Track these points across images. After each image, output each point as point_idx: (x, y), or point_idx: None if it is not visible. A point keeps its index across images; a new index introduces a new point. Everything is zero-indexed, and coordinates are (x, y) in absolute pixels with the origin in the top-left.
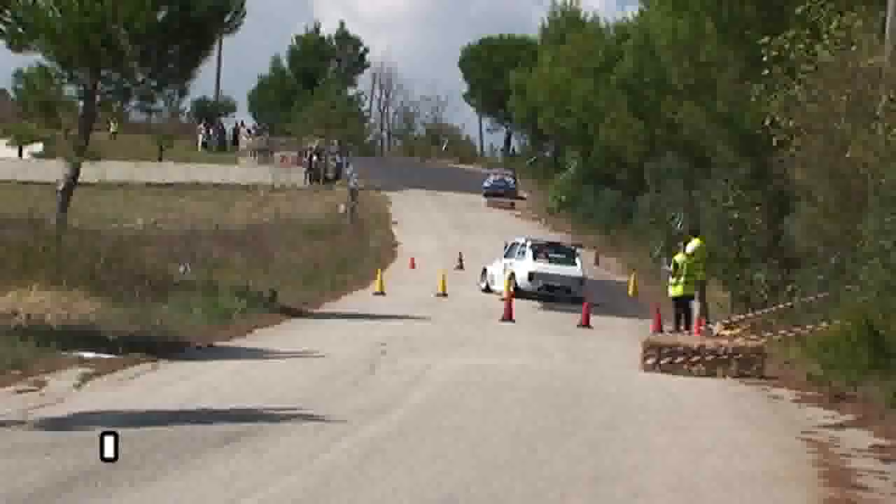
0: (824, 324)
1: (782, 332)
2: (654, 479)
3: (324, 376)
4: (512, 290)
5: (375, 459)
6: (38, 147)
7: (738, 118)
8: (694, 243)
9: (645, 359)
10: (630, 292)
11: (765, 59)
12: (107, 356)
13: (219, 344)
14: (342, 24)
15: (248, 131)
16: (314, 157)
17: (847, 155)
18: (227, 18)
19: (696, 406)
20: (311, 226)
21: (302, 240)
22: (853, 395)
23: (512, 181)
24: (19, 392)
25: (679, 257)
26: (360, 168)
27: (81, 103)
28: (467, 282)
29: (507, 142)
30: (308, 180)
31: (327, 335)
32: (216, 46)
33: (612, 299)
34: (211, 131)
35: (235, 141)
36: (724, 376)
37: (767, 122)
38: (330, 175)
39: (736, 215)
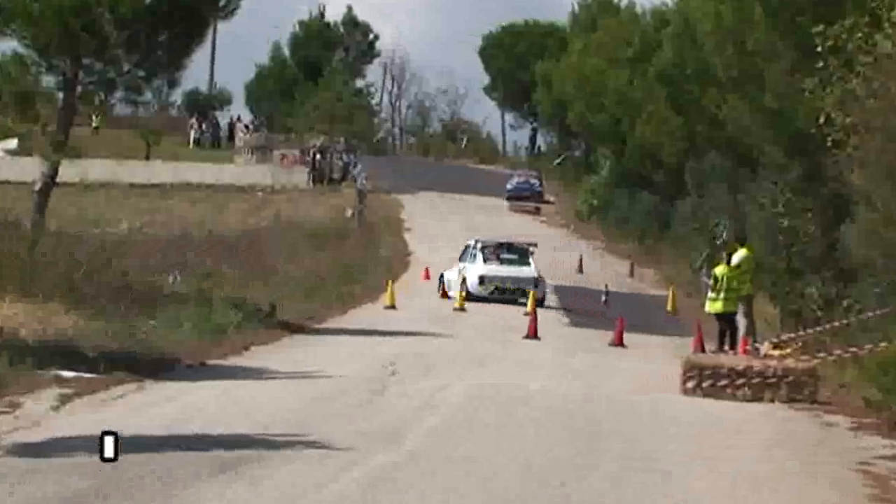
0: (884, 343)
1: (837, 352)
2: None
3: (328, 398)
4: (464, 294)
5: (383, 491)
6: (12, 143)
7: (789, 114)
8: (740, 253)
9: (685, 381)
10: (668, 308)
11: (819, 49)
12: (87, 375)
13: (212, 362)
14: (349, 8)
15: (245, 127)
16: (318, 156)
17: None
18: (222, 2)
19: (741, 434)
20: (314, 232)
21: (304, 247)
22: None
23: (537, 183)
24: None
25: (719, 269)
26: (368, 168)
27: (61, 95)
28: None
29: (533, 140)
30: (311, 181)
31: (332, 353)
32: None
33: (649, 315)
34: (204, 126)
35: (231, 137)
36: (772, 401)
37: (821, 119)
38: (335, 175)
39: (786, 222)
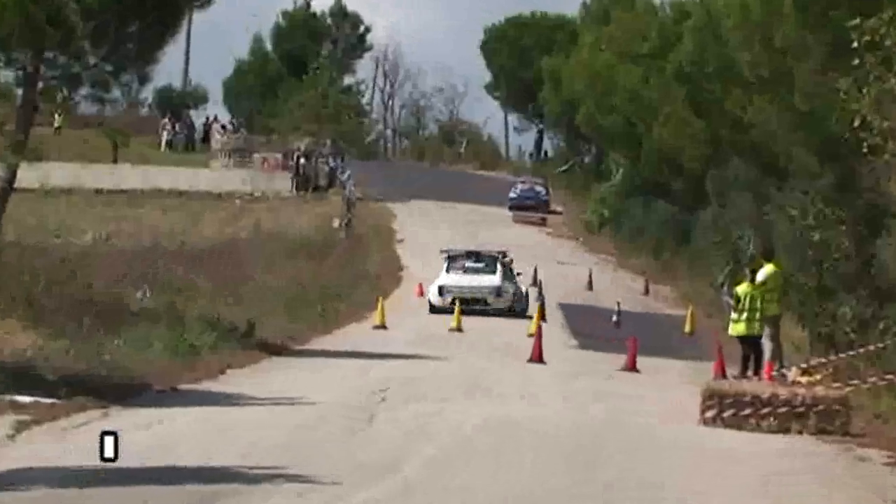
0: None
1: (872, 379)
2: None
3: (311, 427)
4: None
5: None
6: None
7: (821, 117)
8: (766, 270)
9: (704, 410)
10: (687, 329)
11: (854, 45)
12: (47, 400)
13: (184, 387)
14: None
15: (223, 127)
16: (302, 160)
17: None
18: None
19: (766, 469)
20: (297, 243)
21: (286, 260)
22: None
23: (543, 191)
24: None
25: (742, 288)
26: (358, 173)
27: (20, 91)
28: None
29: (538, 143)
30: (294, 188)
31: (316, 378)
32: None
33: (665, 337)
34: (177, 127)
35: (206, 139)
36: (800, 432)
37: (856, 122)
38: (321, 182)
39: (817, 235)
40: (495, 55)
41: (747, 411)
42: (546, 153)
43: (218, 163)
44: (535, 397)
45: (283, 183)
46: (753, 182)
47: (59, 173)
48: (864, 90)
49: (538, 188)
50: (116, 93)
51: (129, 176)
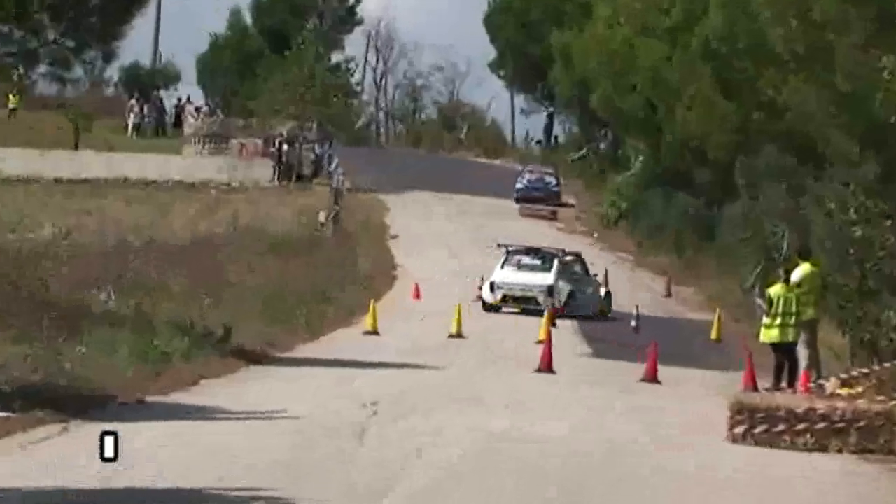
0: None
1: None
2: None
3: (295, 445)
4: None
5: None
6: None
7: (864, 98)
8: (802, 269)
9: (733, 426)
10: (713, 335)
11: None
12: (1, 414)
13: (152, 399)
14: None
15: (196, 110)
16: (285, 147)
17: None
18: None
19: (802, 492)
20: (279, 239)
21: (266, 258)
22: None
23: (554, 181)
24: None
25: (775, 289)
26: (347, 162)
27: None
28: (493, 318)
29: (549, 128)
30: (276, 177)
31: (300, 389)
32: None
33: (689, 344)
34: (145, 110)
35: (178, 123)
36: (840, 451)
37: None
38: (306, 171)
39: (859, 231)
40: (500, 30)
41: (781, 427)
42: (556, 139)
43: (191, 149)
44: (543, 412)
45: (264, 171)
46: (788, 171)
47: (13, 161)
48: None
49: (548, 178)
50: (78, 71)
51: (92, 163)
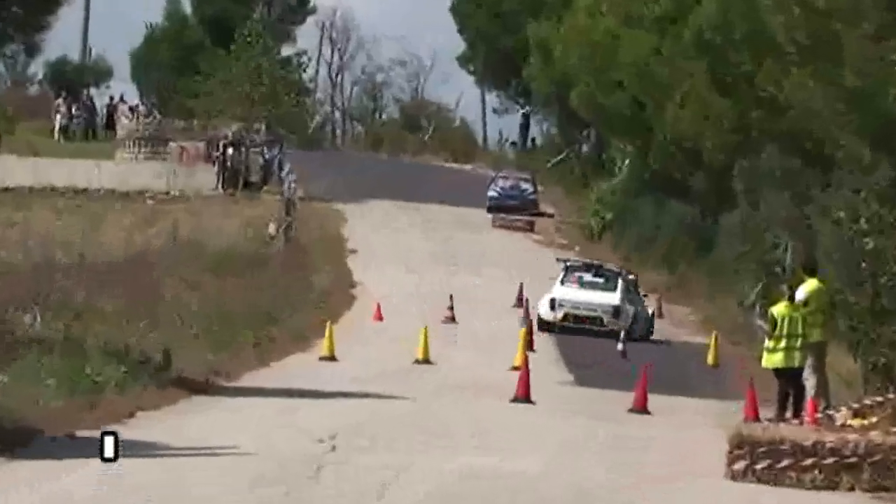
0: None
1: None
2: None
3: (242, 486)
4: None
5: None
6: None
7: (875, 95)
8: (808, 286)
9: (732, 461)
10: (710, 360)
11: None
12: None
13: (83, 433)
14: None
15: (130, 110)
16: (230, 150)
17: None
18: None
19: None
20: (224, 254)
21: (210, 275)
22: None
23: (531, 189)
24: None
25: (779, 309)
26: (300, 167)
27: None
28: (462, 341)
29: (524, 129)
30: (221, 185)
31: (249, 422)
32: None
33: (682, 370)
34: (74, 110)
35: (110, 124)
36: (852, 488)
37: None
38: (254, 177)
39: (871, 243)
40: (469, 19)
41: (786, 462)
42: (533, 141)
43: (125, 154)
44: (517, 446)
45: (207, 178)
46: (791, 176)
47: None
48: None
49: (524, 185)
50: None
51: (15, 170)
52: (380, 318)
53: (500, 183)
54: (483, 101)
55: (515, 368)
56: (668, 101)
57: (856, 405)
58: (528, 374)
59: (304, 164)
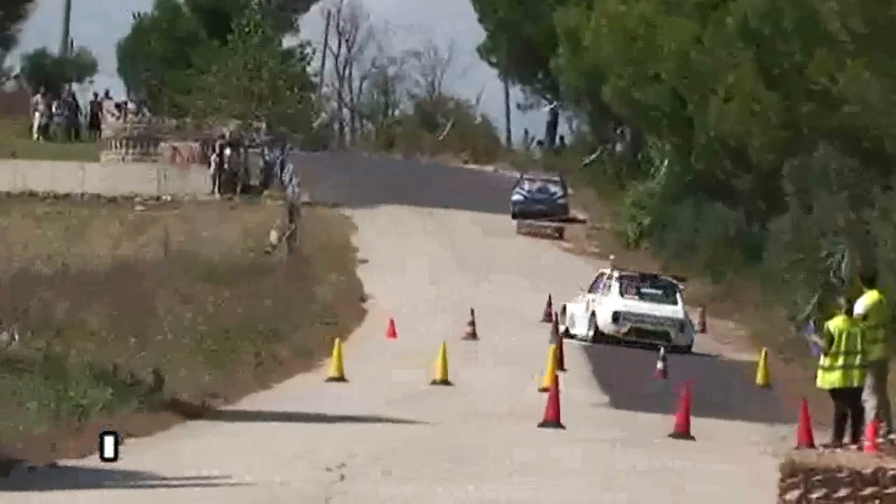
0: None
1: None
2: None
3: None
4: (591, 335)
5: None
6: None
7: None
8: (867, 298)
9: (784, 491)
10: (759, 379)
11: None
12: None
13: (66, 463)
14: None
15: (117, 107)
16: (227, 151)
17: None
18: None
19: None
20: (221, 265)
21: (206, 288)
22: None
23: (559, 192)
24: None
25: (836, 323)
26: (304, 169)
27: None
28: (485, 359)
29: (552, 126)
30: (216, 189)
31: (248, 449)
32: None
33: (728, 391)
34: (54, 107)
35: (95, 123)
36: None
37: None
38: (253, 181)
39: None
40: (491, 6)
41: (843, 492)
42: (562, 140)
43: (111, 155)
44: (546, 476)
45: (201, 182)
46: (847, 177)
47: None
48: None
49: (552, 187)
50: None
51: None
52: (393, 334)
53: (526, 185)
54: (506, 95)
55: (544, 389)
56: (711, 95)
57: None
58: (557, 396)
59: (308, 166)
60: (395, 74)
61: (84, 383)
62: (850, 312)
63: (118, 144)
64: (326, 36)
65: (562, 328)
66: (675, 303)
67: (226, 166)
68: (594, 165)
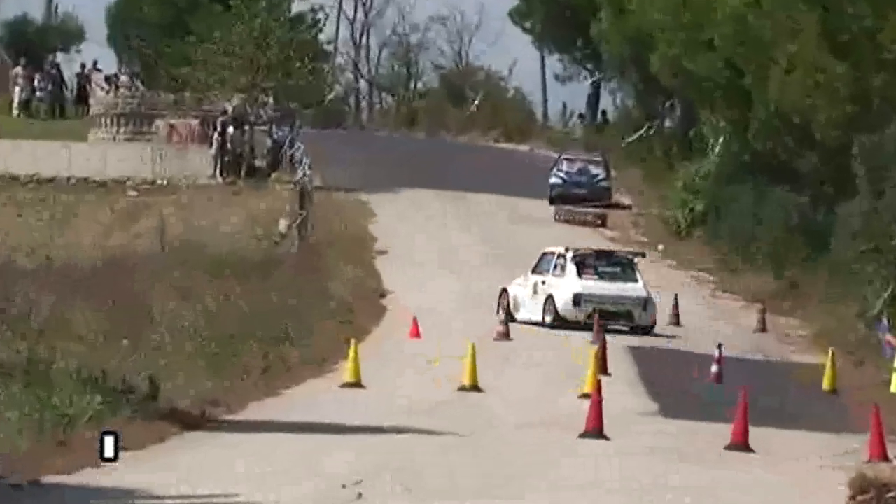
0: None
1: None
2: None
3: None
4: (549, 320)
5: None
6: None
7: None
8: None
9: None
10: (825, 385)
11: None
12: None
13: (51, 479)
14: None
15: (107, 80)
16: (230, 129)
17: None
18: None
19: None
20: (223, 257)
21: (207, 283)
22: None
23: (602, 174)
24: None
25: None
26: (317, 149)
27: None
28: (519, 362)
29: (593, 100)
30: (218, 171)
31: (254, 464)
32: None
33: (791, 397)
34: (38, 81)
35: (83, 98)
36: None
37: None
38: (260, 163)
39: None
40: None
41: None
42: (604, 115)
43: (101, 134)
44: (587, 494)
45: (202, 164)
46: None
47: None
48: None
49: (593, 168)
50: None
51: None
52: (416, 334)
53: (565, 167)
54: (542, 66)
55: (585, 395)
56: (771, 65)
57: None
58: (600, 403)
59: (321, 146)
60: (418, 42)
61: (70, 390)
62: None
63: (108, 122)
64: (341, 1)
65: (502, 313)
66: (635, 280)
67: (229, 146)
68: (640, 144)
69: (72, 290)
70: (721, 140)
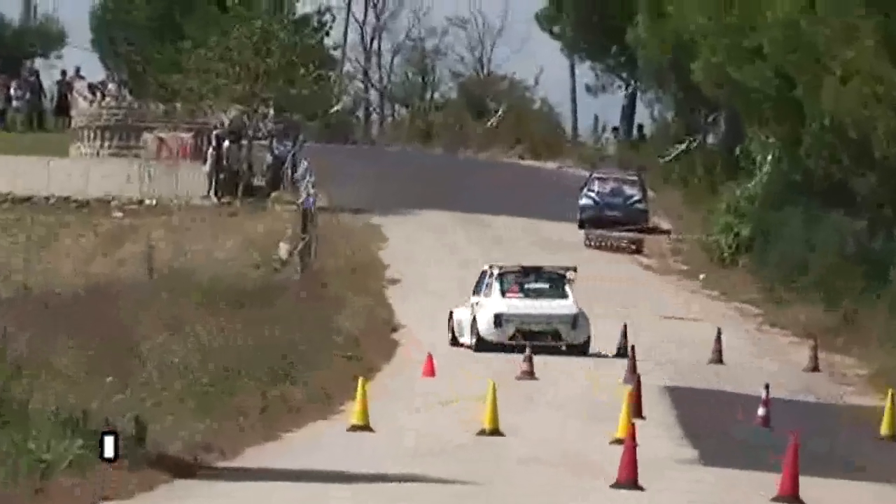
0: None
1: None
2: None
3: None
4: (473, 342)
5: None
6: None
7: None
8: None
9: None
10: (884, 430)
11: None
12: None
13: None
14: None
15: (91, 88)
16: (226, 144)
17: None
18: None
19: None
20: (218, 286)
21: (199, 315)
22: None
23: (637, 194)
24: None
25: None
26: (322, 164)
27: None
28: (544, 404)
29: (628, 113)
30: (213, 191)
31: None
32: None
33: (847, 444)
34: (13, 89)
35: (63, 108)
36: None
37: None
38: (259, 181)
39: None
40: None
41: None
42: (641, 129)
43: (83, 148)
44: None
45: (195, 182)
46: None
47: None
48: None
49: (628, 189)
50: None
51: None
52: (431, 372)
53: (597, 186)
54: (572, 75)
55: (618, 441)
56: (826, 75)
57: None
58: (634, 449)
59: (327, 162)
60: (434, 48)
61: (48, 433)
62: None
63: (92, 135)
64: (349, 2)
65: (449, 337)
66: (564, 296)
67: (224, 163)
68: (680, 161)
69: (51, 321)
70: (769, 158)
